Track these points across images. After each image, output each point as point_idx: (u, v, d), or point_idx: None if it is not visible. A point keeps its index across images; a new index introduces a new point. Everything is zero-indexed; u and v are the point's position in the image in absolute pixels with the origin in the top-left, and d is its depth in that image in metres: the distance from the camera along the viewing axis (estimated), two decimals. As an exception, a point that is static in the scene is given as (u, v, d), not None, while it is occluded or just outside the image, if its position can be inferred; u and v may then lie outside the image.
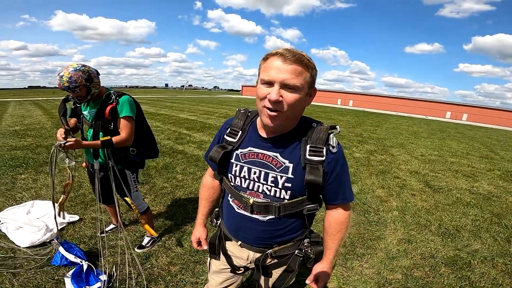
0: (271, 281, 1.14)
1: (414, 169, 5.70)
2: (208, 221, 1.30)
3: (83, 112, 2.05)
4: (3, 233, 2.57)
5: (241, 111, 1.08)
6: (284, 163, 0.94)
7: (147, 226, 2.23)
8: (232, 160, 1.02)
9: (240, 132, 1.03)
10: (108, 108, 1.91)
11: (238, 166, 1.01)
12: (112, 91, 1.99)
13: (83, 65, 1.88)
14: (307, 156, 0.91)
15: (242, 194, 1.02)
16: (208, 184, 1.25)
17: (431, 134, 12.35)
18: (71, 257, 2.11)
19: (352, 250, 2.64)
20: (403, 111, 36.01)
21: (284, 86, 0.83)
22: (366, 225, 3.14)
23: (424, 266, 2.44)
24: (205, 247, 1.24)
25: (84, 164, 2.31)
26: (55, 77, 1.83)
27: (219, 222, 1.23)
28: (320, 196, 1.02)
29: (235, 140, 1.02)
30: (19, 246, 2.38)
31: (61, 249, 2.16)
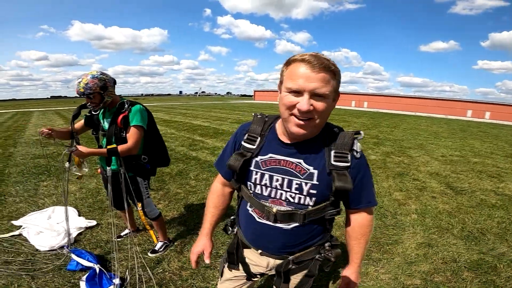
0: (291, 286, 1.11)
1: (434, 170, 5.48)
2: (220, 230, 1.26)
3: (102, 123, 2.13)
4: (25, 237, 2.67)
5: (258, 116, 1.05)
6: (309, 170, 0.92)
7: (151, 232, 2.27)
8: (252, 168, 0.99)
9: (259, 138, 0.99)
10: (121, 116, 1.97)
11: (259, 173, 0.97)
12: (125, 100, 2.06)
13: (102, 73, 1.97)
14: (333, 162, 0.90)
15: (263, 202, 0.98)
16: (218, 191, 1.20)
17: (452, 134, 11.88)
18: (84, 262, 2.18)
19: (367, 255, 2.54)
20: (421, 111, 34.91)
21: (314, 94, 0.81)
22: (383, 229, 3.02)
23: (445, 271, 2.31)
24: (207, 261, 1.13)
25: (99, 171, 2.39)
26: (75, 82, 1.94)
27: (235, 230, 1.19)
28: (341, 201, 1.01)
29: (254, 147, 0.98)
30: (39, 250, 2.47)
31: (73, 256, 2.24)
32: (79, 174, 2.18)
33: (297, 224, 0.96)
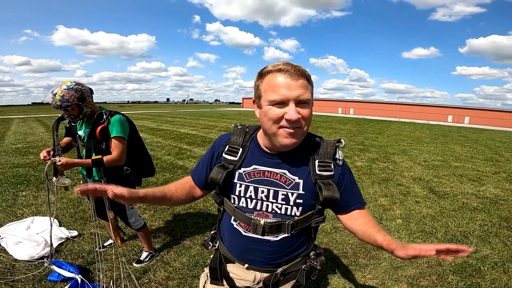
0: None
1: (417, 175, 5.62)
2: (200, 246, 1.19)
3: (78, 132, 2.07)
4: (3, 247, 2.60)
5: (239, 127, 1.02)
6: (294, 180, 0.92)
7: (117, 239, 2.22)
8: (235, 180, 0.96)
9: (241, 149, 0.97)
10: (99, 128, 1.91)
11: (243, 186, 0.95)
12: (104, 110, 2.00)
13: (77, 84, 1.89)
14: (317, 172, 0.90)
15: (249, 216, 0.96)
16: (184, 182, 1.08)
17: (433, 139, 12.28)
18: (65, 273, 2.13)
19: (354, 260, 2.56)
20: (405, 116, 35.97)
21: (298, 102, 0.80)
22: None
23: (431, 275, 2.35)
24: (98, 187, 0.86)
25: (82, 182, 2.32)
26: (48, 95, 1.85)
27: (217, 244, 1.15)
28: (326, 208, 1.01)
29: (236, 159, 0.96)
30: (18, 260, 2.41)
31: (54, 267, 2.18)
32: (65, 185, 2.12)
33: (285, 235, 0.95)
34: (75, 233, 2.91)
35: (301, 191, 0.91)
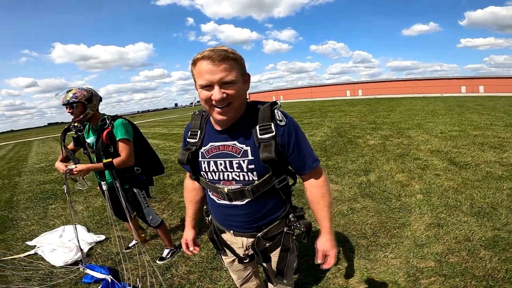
0: (273, 265, 1.18)
1: (435, 148, 5.41)
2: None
3: (87, 141, 2.20)
4: (40, 255, 2.83)
5: (196, 113, 1.16)
6: (243, 148, 1.01)
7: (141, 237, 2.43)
8: (200, 159, 1.09)
9: (199, 131, 1.10)
10: (105, 132, 2.02)
11: (205, 162, 1.08)
12: (106, 116, 2.10)
13: (90, 88, 2.10)
14: (259, 136, 0.98)
15: (217, 186, 1.08)
16: (189, 187, 1.31)
17: (449, 111, 11.83)
18: (97, 275, 2.29)
19: (374, 241, 2.49)
20: (416, 92, 34.78)
21: (223, 84, 0.90)
22: (388, 213, 2.96)
23: (460, 251, 2.23)
24: (192, 248, 1.29)
25: (98, 187, 2.41)
26: (63, 92, 2.04)
27: (210, 218, 1.28)
28: (286, 168, 1.09)
29: (196, 140, 1.09)
30: (55, 266, 2.62)
31: (87, 270, 2.37)
32: (82, 189, 2.27)
33: (249, 199, 1.05)
34: (102, 237, 3.10)
35: (250, 157, 0.99)
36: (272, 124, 0.98)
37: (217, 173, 1.06)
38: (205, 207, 1.32)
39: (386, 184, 3.76)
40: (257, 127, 0.99)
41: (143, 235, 2.35)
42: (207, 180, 1.11)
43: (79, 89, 2.01)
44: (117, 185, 2.11)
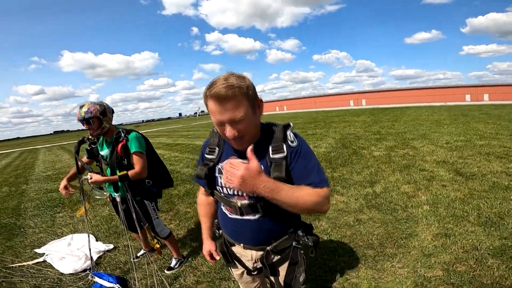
0: (281, 278, 1.20)
1: (441, 158, 5.41)
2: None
3: (101, 153, 2.27)
4: (49, 263, 2.86)
5: (214, 131, 1.19)
6: None
7: (157, 247, 2.45)
8: (216, 174, 1.14)
9: (217, 148, 1.15)
10: (120, 145, 2.09)
11: (222, 177, 1.09)
12: (121, 129, 2.18)
13: (102, 101, 2.16)
14: (271, 156, 1.02)
15: (231, 200, 1.12)
16: (203, 202, 1.37)
17: (454, 120, 11.80)
18: (106, 283, 2.32)
19: (381, 251, 2.49)
20: (420, 101, 34.72)
21: (232, 122, 0.94)
22: (395, 224, 2.97)
23: (468, 260, 2.24)
24: (218, 257, 1.36)
25: (108, 199, 2.48)
26: (76, 108, 2.11)
27: (220, 231, 1.33)
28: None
29: (214, 157, 1.15)
30: (64, 274, 2.66)
31: (96, 279, 2.40)
32: (102, 198, 2.33)
33: (260, 215, 1.08)
34: (111, 246, 3.14)
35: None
36: (284, 144, 1.02)
37: (231, 189, 1.10)
38: (216, 220, 1.36)
39: (392, 195, 3.77)
40: (270, 147, 1.03)
41: (158, 245, 2.38)
42: (222, 194, 1.15)
43: (91, 103, 2.07)
44: (129, 197, 2.17)
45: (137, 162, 2.12)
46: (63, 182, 2.23)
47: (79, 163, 2.31)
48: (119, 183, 2.19)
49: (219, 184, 1.14)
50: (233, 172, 0.91)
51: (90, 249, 2.47)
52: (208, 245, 1.37)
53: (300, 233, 1.15)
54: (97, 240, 3.30)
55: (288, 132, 1.05)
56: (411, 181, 4.28)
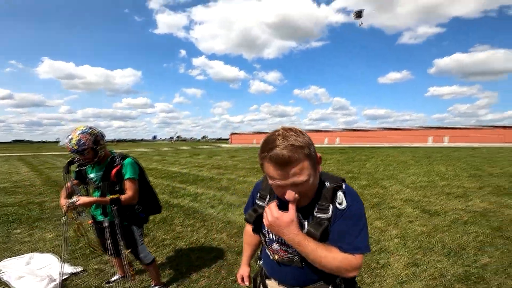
0: None
1: (407, 197, 5.83)
2: (254, 261, 1.44)
3: (90, 175, 2.18)
4: (5, 281, 2.67)
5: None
6: (302, 222, 1.04)
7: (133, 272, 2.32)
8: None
9: (268, 196, 1.15)
10: (114, 170, 2.08)
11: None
12: (116, 154, 2.17)
13: (90, 128, 2.04)
14: (315, 214, 1.00)
15: (272, 247, 1.14)
16: (249, 232, 1.39)
17: (418, 161, 12.76)
18: None
19: (360, 280, 2.62)
20: (388, 141, 37.07)
21: (294, 186, 0.90)
22: (370, 256, 3.13)
23: (437, 286, 2.44)
24: (247, 283, 1.39)
25: (90, 222, 2.37)
26: (64, 140, 1.97)
27: (260, 262, 1.36)
28: None
29: (264, 204, 1.14)
30: None
31: None
32: (82, 221, 2.20)
33: (298, 266, 1.08)
34: (79, 268, 2.96)
35: (305, 231, 1.00)
36: (331, 205, 0.98)
37: (276, 236, 1.11)
38: (259, 252, 1.41)
39: (366, 228, 3.97)
40: (316, 205, 1.01)
41: (133, 272, 2.27)
42: (266, 239, 1.17)
43: (81, 133, 1.94)
44: (117, 221, 2.10)
45: (130, 188, 2.10)
46: (62, 201, 2.07)
47: (69, 184, 2.18)
48: (108, 208, 2.12)
49: (265, 230, 1.16)
50: (265, 216, 0.98)
51: (62, 274, 2.32)
52: (243, 270, 1.44)
53: (338, 281, 1.10)
54: (62, 261, 3.06)
55: (339, 193, 1.00)
56: (383, 217, 4.55)
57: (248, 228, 1.39)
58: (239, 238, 3.75)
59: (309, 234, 0.95)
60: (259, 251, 1.43)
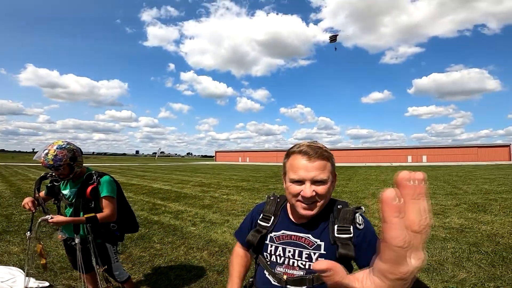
0: None
1: (389, 213, 5.91)
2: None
3: (63, 192, 2.08)
4: None
5: (271, 198, 1.20)
6: (316, 242, 1.03)
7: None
8: (267, 242, 1.12)
9: (273, 217, 1.14)
10: (89, 188, 1.98)
11: (273, 246, 1.10)
12: (93, 171, 2.09)
13: (68, 143, 1.97)
14: (336, 235, 1.01)
15: (276, 271, 1.08)
16: (241, 254, 1.30)
17: (398, 180, 13.06)
18: None
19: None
20: (370, 161, 38.07)
21: (314, 181, 0.94)
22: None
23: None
24: None
25: (60, 237, 2.23)
26: (40, 153, 1.89)
27: None
28: (351, 267, 1.07)
29: (268, 225, 1.13)
30: None
31: None
32: (64, 237, 2.09)
33: (307, 287, 1.03)
34: (45, 284, 2.82)
35: (322, 251, 1.02)
36: (351, 226, 1.01)
37: (282, 258, 1.08)
38: (251, 279, 1.27)
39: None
40: (336, 226, 1.02)
41: (109, 286, 2.13)
42: (267, 261, 1.12)
43: (58, 149, 1.87)
44: (90, 239, 2.00)
45: (107, 206, 2.03)
46: (28, 200, 1.97)
47: (38, 201, 2.06)
48: (81, 225, 2.02)
49: (267, 252, 1.11)
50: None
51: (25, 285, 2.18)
52: None
53: None
54: (28, 276, 2.86)
55: (357, 215, 1.03)
56: (365, 232, 4.58)
57: (240, 249, 1.31)
58: (221, 257, 3.64)
59: (344, 256, 0.95)
60: (249, 279, 1.31)
